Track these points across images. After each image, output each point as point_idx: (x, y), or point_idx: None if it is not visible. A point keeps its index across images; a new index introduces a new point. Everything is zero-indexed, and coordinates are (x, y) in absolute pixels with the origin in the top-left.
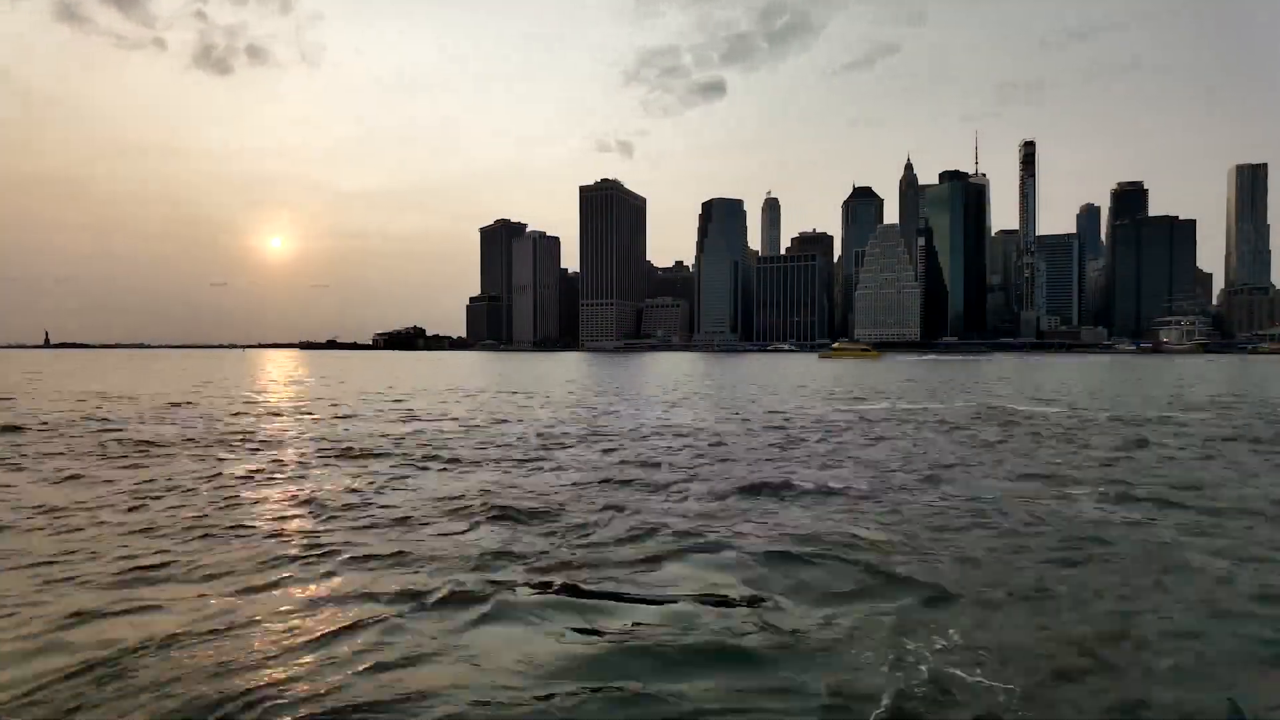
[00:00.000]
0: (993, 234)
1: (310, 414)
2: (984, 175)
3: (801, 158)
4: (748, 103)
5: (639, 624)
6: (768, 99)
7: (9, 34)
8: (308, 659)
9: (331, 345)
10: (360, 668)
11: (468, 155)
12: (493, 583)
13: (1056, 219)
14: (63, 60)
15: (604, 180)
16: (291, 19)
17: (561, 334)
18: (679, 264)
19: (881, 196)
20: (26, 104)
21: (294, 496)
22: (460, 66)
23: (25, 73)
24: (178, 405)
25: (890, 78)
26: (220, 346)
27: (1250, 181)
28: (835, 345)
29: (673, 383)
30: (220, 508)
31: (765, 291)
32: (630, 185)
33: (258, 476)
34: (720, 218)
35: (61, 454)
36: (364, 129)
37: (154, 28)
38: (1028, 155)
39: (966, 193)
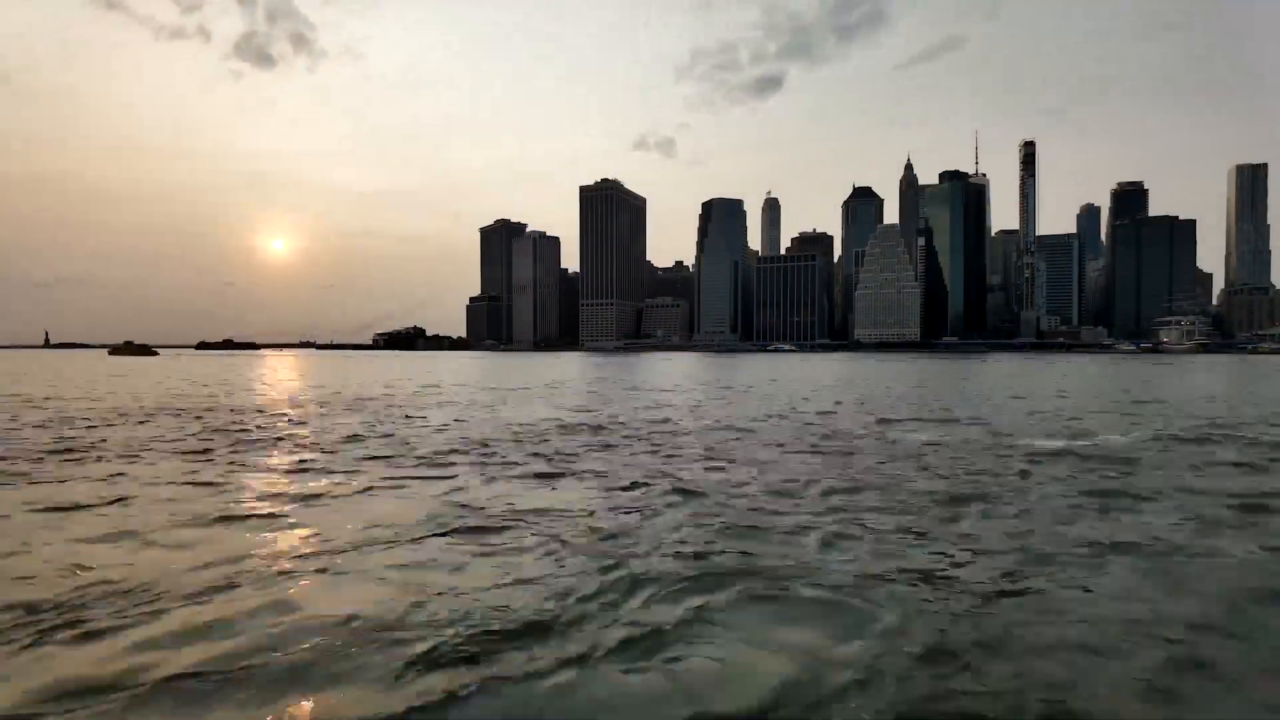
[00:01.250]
0: (993, 234)
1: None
2: (984, 175)
3: (858, 153)
4: (804, 98)
5: None
6: (825, 95)
7: (9, 34)
8: None
9: (332, 346)
10: None
11: (493, 154)
12: None
13: (1056, 219)
14: (65, 57)
15: (604, 180)
16: (291, 20)
17: (561, 334)
18: (679, 264)
19: (881, 196)
20: (24, 102)
21: None
22: (478, 64)
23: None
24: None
25: (951, 73)
26: (218, 346)
27: (1250, 181)
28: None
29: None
30: None
31: (765, 291)
32: (670, 183)
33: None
34: (720, 217)
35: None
36: (367, 127)
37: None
38: (1028, 155)
39: (966, 193)
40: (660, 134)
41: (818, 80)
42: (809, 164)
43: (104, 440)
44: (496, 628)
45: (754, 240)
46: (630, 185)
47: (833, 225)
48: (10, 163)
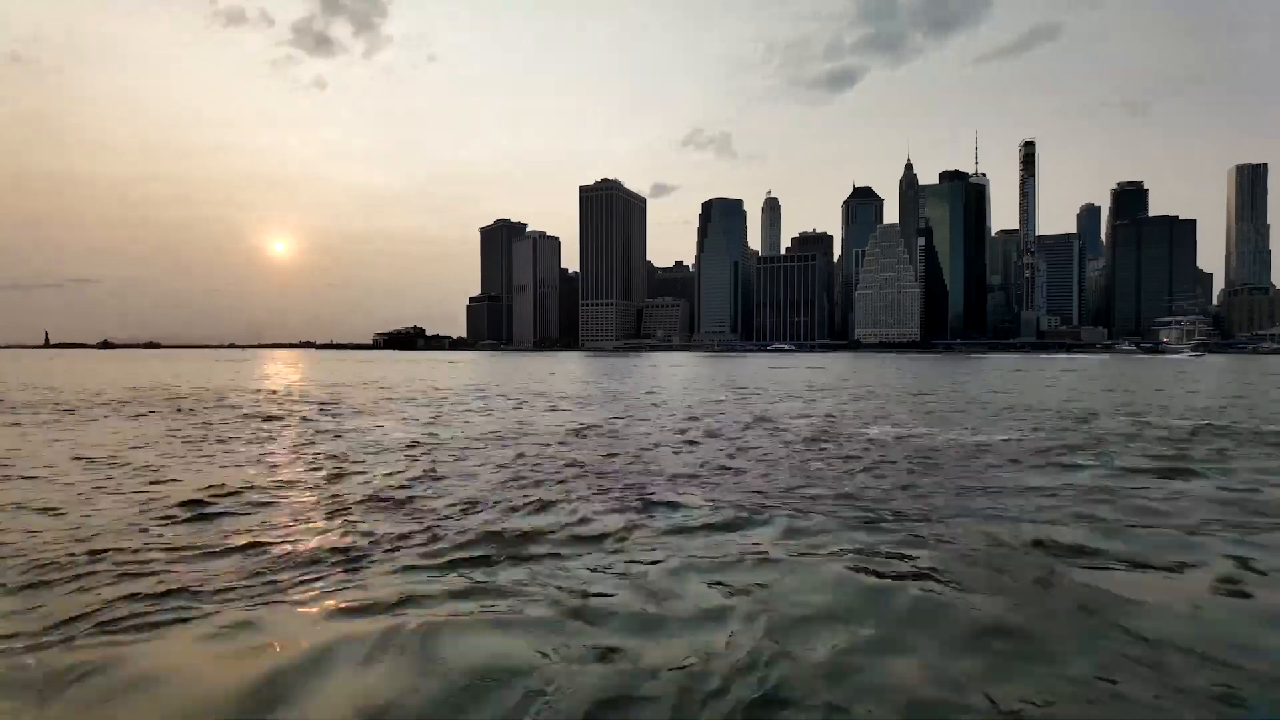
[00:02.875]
0: (993, 234)
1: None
2: (984, 175)
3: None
4: (877, 94)
5: None
6: (899, 90)
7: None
8: None
9: (331, 346)
10: None
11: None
12: None
13: (1056, 219)
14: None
15: (604, 180)
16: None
17: (562, 334)
18: (679, 264)
19: (881, 196)
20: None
21: None
22: (511, 55)
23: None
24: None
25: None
26: (220, 346)
27: (1250, 181)
28: None
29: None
30: None
31: (765, 291)
32: (733, 182)
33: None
34: (720, 217)
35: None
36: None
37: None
38: (1028, 155)
39: (966, 193)
40: (715, 129)
41: (894, 76)
42: (879, 160)
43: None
44: None
45: (754, 240)
46: (676, 183)
47: (833, 225)
48: (12, 159)
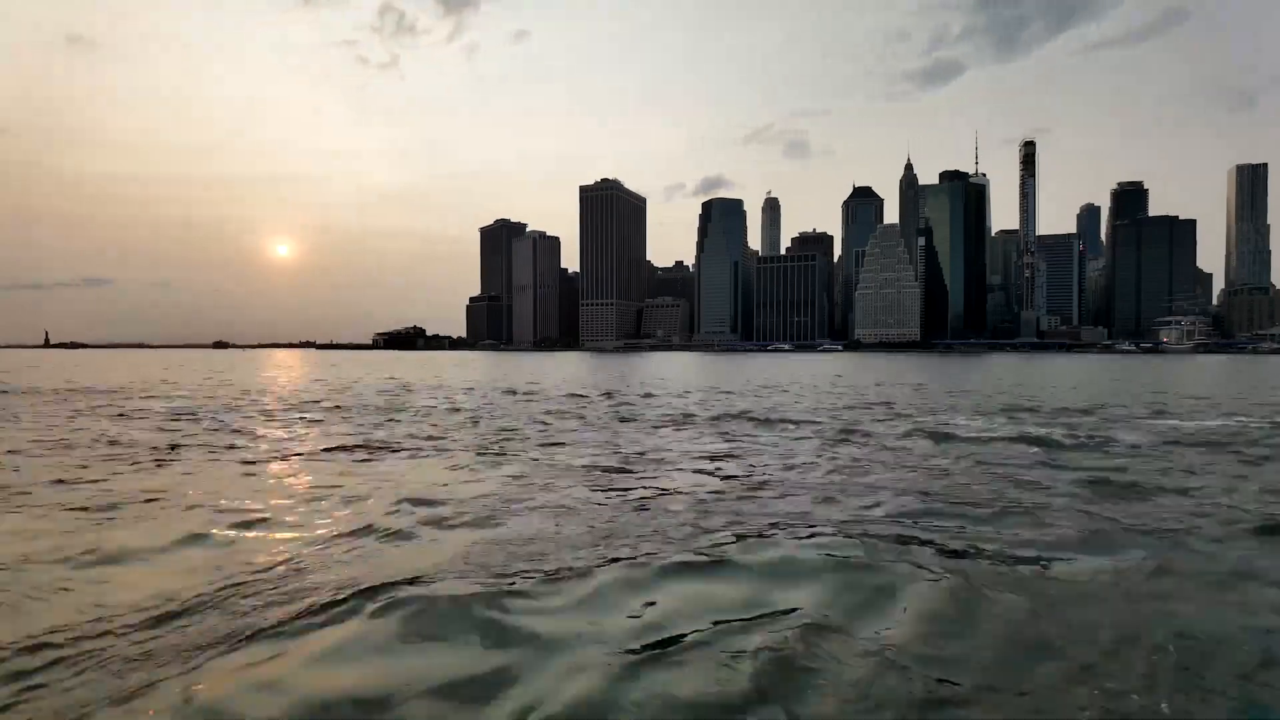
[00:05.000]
0: (993, 234)
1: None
2: (984, 175)
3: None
4: (979, 88)
5: None
6: (1002, 84)
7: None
8: None
9: (332, 346)
10: None
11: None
12: None
13: (1056, 219)
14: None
15: (604, 180)
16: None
17: (562, 334)
18: (679, 264)
19: (881, 196)
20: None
21: None
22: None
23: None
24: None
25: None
26: (218, 347)
27: (1250, 181)
28: None
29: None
30: None
31: (765, 291)
32: (803, 182)
33: None
34: (720, 217)
35: None
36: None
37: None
38: (1028, 155)
39: (966, 193)
40: (788, 126)
41: (996, 70)
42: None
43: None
44: None
45: (754, 240)
46: (733, 179)
47: (833, 225)
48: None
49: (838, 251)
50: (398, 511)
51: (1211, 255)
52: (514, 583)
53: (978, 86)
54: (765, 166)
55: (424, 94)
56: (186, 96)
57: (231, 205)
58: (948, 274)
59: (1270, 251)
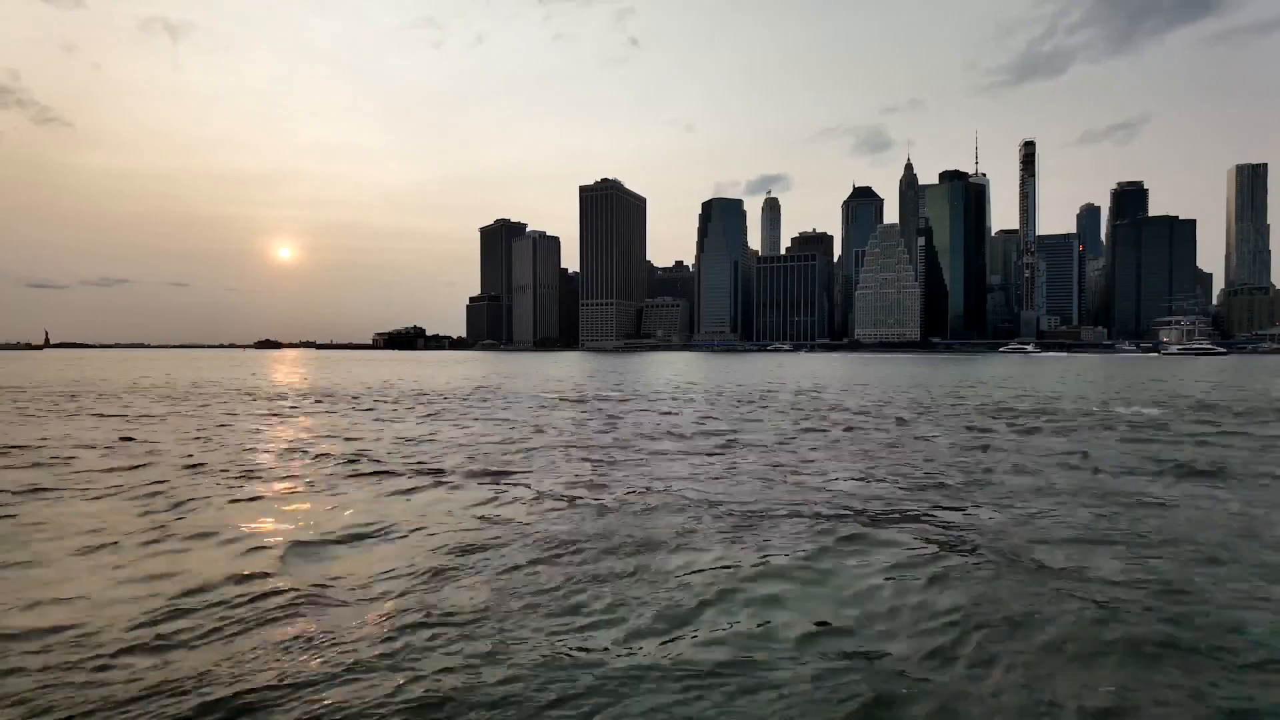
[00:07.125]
0: (993, 234)
1: None
2: (984, 175)
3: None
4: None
5: None
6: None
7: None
8: None
9: (332, 346)
10: None
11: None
12: None
13: (1057, 219)
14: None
15: (604, 180)
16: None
17: (561, 334)
18: (679, 264)
19: (881, 196)
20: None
21: None
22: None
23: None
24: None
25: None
26: (219, 346)
27: (1250, 181)
28: None
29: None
30: None
31: (765, 291)
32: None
33: None
34: (720, 217)
35: None
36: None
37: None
38: (1028, 155)
39: (966, 193)
40: (867, 121)
41: (1103, 67)
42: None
43: None
44: None
45: (754, 240)
46: (795, 177)
47: (833, 225)
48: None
49: (838, 251)
50: None
51: (1211, 255)
52: None
53: (1081, 79)
54: (837, 163)
55: (427, 93)
56: (183, 92)
57: (232, 205)
58: (948, 274)
59: (1270, 251)
